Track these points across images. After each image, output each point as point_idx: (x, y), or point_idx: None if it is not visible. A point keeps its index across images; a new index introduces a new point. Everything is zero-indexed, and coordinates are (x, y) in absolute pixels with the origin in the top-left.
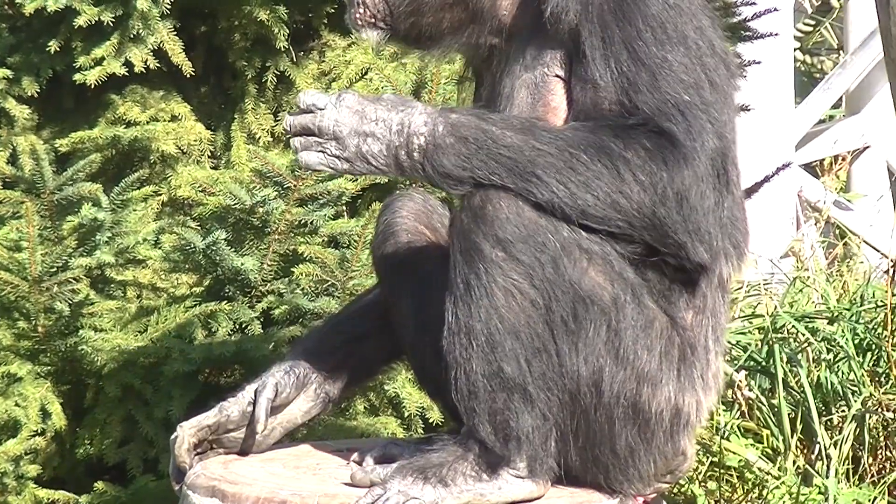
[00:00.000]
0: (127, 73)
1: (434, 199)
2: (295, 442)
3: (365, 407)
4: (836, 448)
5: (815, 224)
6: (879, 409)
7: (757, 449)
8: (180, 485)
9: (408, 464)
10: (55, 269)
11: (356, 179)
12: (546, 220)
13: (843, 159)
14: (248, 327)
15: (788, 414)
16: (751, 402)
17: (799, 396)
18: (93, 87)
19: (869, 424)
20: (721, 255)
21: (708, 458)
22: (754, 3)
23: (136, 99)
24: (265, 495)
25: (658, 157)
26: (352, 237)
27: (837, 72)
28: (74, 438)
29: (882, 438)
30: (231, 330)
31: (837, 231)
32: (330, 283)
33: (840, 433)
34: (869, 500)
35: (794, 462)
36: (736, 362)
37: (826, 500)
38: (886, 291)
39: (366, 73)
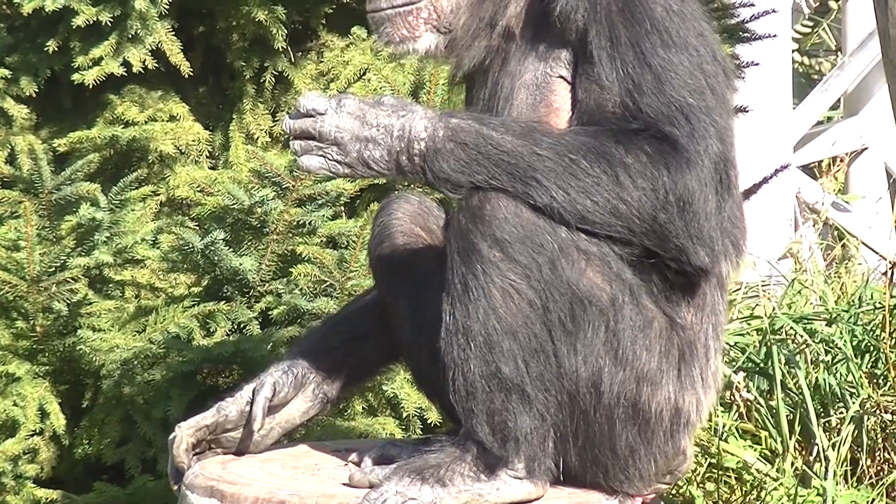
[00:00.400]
0: (125, 73)
1: (430, 200)
2: (293, 442)
3: (363, 407)
4: (834, 450)
5: (814, 225)
6: (877, 411)
7: (755, 450)
8: (178, 485)
9: (406, 464)
10: (53, 268)
11: (355, 180)
12: (544, 221)
13: (842, 161)
14: (247, 327)
15: (787, 415)
16: (749, 403)
17: (797, 398)
18: (91, 87)
19: (867, 426)
20: (721, 256)
21: (706, 459)
22: (752, 5)
23: (135, 99)
24: (264, 495)
25: (660, 163)
26: (350, 238)
27: (836, 73)
28: (73, 438)
29: (880, 440)
30: (229, 330)
31: (836, 233)
32: (328, 283)
33: (838, 435)
34: (867, 502)
35: (793, 464)
36: (734, 364)
37: (824, 501)
38: (884, 293)
39: (364, 74)
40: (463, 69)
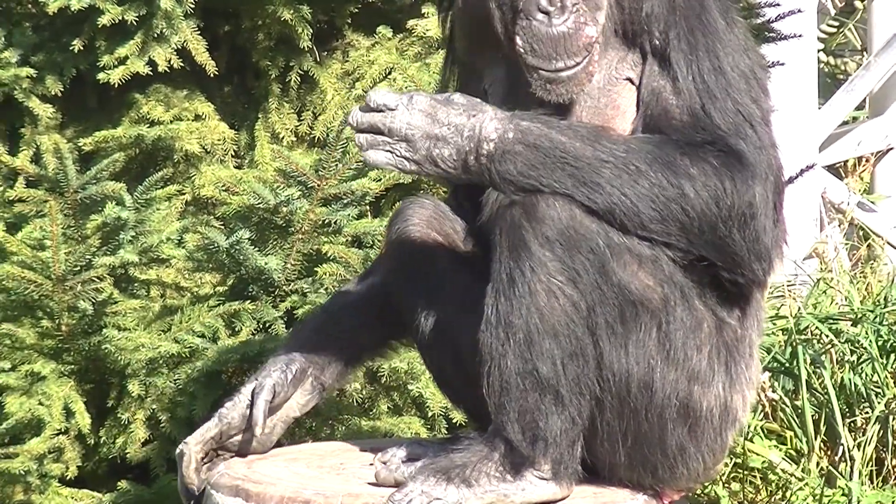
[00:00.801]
0: (151, 73)
1: (444, 204)
2: (318, 441)
3: (388, 407)
4: (859, 450)
5: (839, 225)
6: None
7: (780, 450)
8: (191, 502)
9: (431, 463)
10: (79, 267)
11: (380, 179)
12: (597, 225)
13: (867, 161)
14: (272, 327)
15: (812, 415)
16: (774, 403)
17: (822, 398)
18: (116, 86)
19: (892, 426)
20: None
21: (732, 459)
22: (778, 5)
23: (160, 98)
24: (289, 495)
25: (725, 176)
26: (375, 237)
27: (861, 73)
28: (97, 437)
29: None
30: (254, 329)
31: (861, 233)
32: None
33: (863, 435)
34: (892, 502)
35: (818, 464)
36: (760, 363)
37: (849, 501)
38: None
39: (389, 73)
40: None
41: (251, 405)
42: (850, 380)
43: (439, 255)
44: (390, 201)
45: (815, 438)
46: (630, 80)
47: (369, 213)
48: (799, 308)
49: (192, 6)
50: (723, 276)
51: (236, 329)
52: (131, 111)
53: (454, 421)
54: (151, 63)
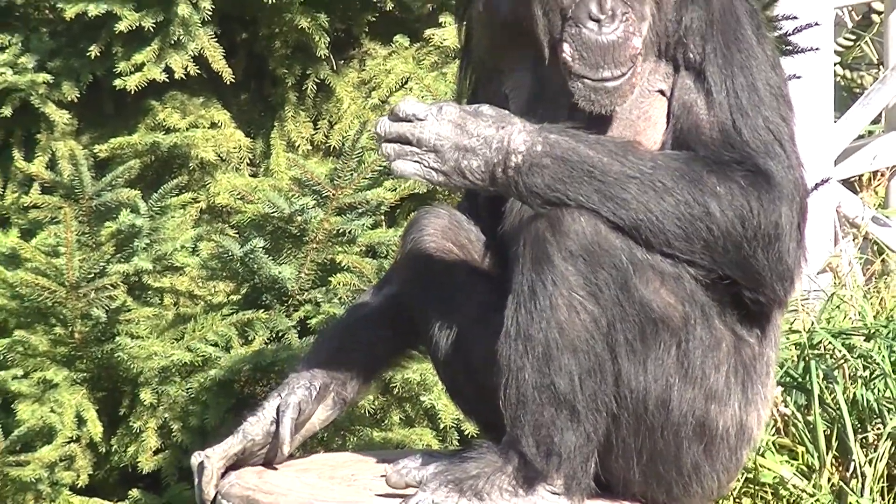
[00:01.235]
0: (167, 80)
1: (460, 214)
2: (331, 452)
3: (400, 418)
4: (871, 466)
5: (854, 240)
6: None
7: (792, 466)
8: None
9: (444, 471)
10: (92, 275)
11: (395, 189)
12: (621, 241)
13: (882, 175)
14: (285, 336)
15: (824, 431)
16: (786, 418)
17: (834, 413)
18: (133, 92)
19: None
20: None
21: (743, 474)
22: (796, 18)
23: (176, 105)
24: None
25: (752, 196)
26: (390, 247)
27: (877, 87)
28: (109, 445)
29: None
30: (268, 339)
31: (875, 247)
32: None
33: (875, 451)
34: None
35: (829, 479)
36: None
37: None
38: None
39: (406, 83)
40: None
41: (277, 422)
42: (862, 395)
43: (454, 265)
44: (405, 211)
45: (827, 454)
46: (661, 91)
47: (384, 222)
48: (812, 323)
49: (210, 13)
50: (745, 294)
51: (249, 338)
52: (147, 118)
53: (466, 432)
54: (168, 70)
